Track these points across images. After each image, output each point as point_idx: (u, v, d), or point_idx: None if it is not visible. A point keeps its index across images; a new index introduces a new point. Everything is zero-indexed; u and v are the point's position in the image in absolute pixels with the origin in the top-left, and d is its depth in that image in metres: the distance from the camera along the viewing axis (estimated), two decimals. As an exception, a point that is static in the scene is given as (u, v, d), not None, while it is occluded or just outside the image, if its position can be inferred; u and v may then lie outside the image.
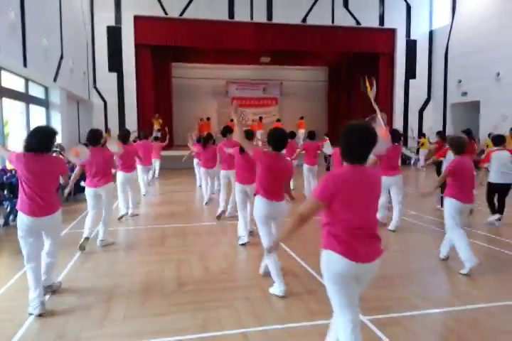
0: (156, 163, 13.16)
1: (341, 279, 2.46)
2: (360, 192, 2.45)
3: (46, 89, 12.41)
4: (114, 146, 6.20)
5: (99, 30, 16.76)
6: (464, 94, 17.89)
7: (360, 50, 19.14)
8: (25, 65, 9.51)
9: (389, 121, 19.43)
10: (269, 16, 17.90)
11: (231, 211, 7.69)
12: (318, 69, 23.66)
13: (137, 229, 7.05)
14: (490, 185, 7.13)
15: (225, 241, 6.22)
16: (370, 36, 18.69)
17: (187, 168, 14.08)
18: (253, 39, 17.62)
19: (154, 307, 3.80)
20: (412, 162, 18.15)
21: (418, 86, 19.62)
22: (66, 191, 5.61)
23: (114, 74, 17.05)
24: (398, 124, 19.32)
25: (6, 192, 7.29)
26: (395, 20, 19.02)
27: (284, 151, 4.56)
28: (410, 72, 19.47)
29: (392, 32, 19.14)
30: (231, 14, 17.65)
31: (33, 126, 10.98)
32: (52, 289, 4.15)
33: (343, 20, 18.48)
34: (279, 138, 4.18)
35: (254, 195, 4.32)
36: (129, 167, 7.63)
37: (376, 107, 4.58)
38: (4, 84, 9.42)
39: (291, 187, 10.48)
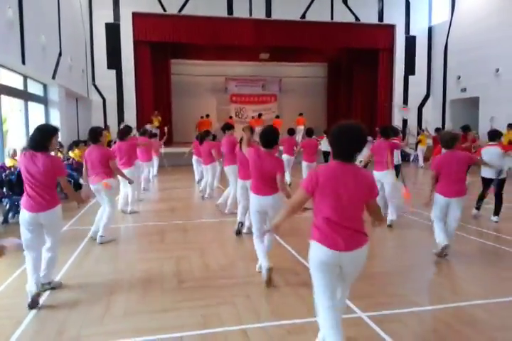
0: (155, 161, 13.14)
1: (322, 267, 2.65)
2: (340, 188, 2.59)
3: (45, 86, 12.38)
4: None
5: (98, 27, 16.69)
6: (463, 90, 17.87)
7: (360, 47, 19.08)
8: (23, 62, 9.49)
9: (387, 118, 19.46)
10: (268, 12, 17.84)
11: (230, 207, 7.72)
12: (318, 65, 23.60)
13: (137, 226, 7.06)
14: (481, 179, 7.28)
15: (224, 238, 6.24)
16: (370, 32, 18.64)
17: (187, 165, 14.07)
18: (252, 35, 17.56)
19: (154, 303, 3.82)
20: (412, 158, 18.15)
21: (417, 82, 19.59)
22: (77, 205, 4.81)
23: (113, 72, 17.00)
24: (397, 120, 19.32)
25: (5, 189, 7.29)
26: (394, 16, 18.96)
27: (281, 148, 4.71)
28: (409, 69, 19.43)
29: (392, 28, 19.09)
30: (230, 10, 17.58)
31: (31, 124, 11.08)
32: (51, 286, 4.16)
33: (342, 16, 18.41)
34: (266, 136, 4.36)
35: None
36: (125, 163, 7.63)
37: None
38: (3, 82, 9.40)
39: (288, 182, 10.68)
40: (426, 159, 15.69)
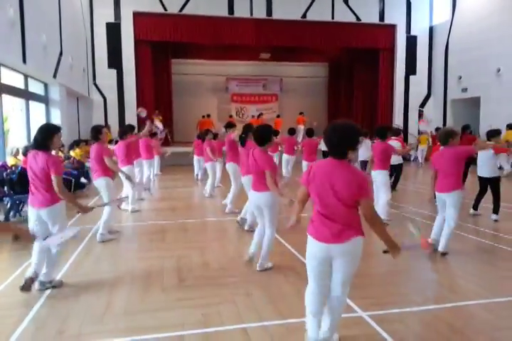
0: (156, 160, 13.15)
1: (313, 258, 2.83)
2: (328, 183, 2.70)
3: (46, 85, 12.40)
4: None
5: (99, 26, 16.71)
6: (464, 90, 17.86)
7: (360, 46, 19.09)
8: (24, 61, 9.49)
9: (388, 118, 19.45)
10: (269, 12, 17.85)
11: (230, 207, 7.74)
12: (319, 65, 23.60)
13: (138, 225, 7.06)
14: (478, 178, 7.36)
15: (225, 236, 6.25)
16: (370, 32, 18.64)
17: (188, 165, 14.09)
18: (253, 35, 17.58)
19: (155, 302, 3.82)
20: (412, 158, 18.14)
21: (418, 82, 19.59)
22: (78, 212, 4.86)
23: (114, 71, 17.02)
24: (398, 120, 19.32)
25: (5, 188, 7.29)
26: (395, 16, 18.96)
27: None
28: (410, 68, 19.43)
29: (393, 28, 19.09)
30: (231, 10, 17.59)
31: (32, 123, 11.08)
32: (52, 285, 4.17)
33: (343, 16, 18.42)
34: (258, 134, 4.59)
35: None
36: (123, 161, 7.63)
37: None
38: (4, 81, 9.41)
39: (286, 180, 10.87)
40: (426, 159, 15.69)
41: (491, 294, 3.96)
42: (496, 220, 7.01)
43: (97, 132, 6.00)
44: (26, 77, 10.87)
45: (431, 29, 19.68)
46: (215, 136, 9.98)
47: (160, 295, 4.00)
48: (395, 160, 10.17)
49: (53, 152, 4.30)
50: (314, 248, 2.79)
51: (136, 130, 13.42)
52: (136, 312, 3.62)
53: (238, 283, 4.27)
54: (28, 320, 3.50)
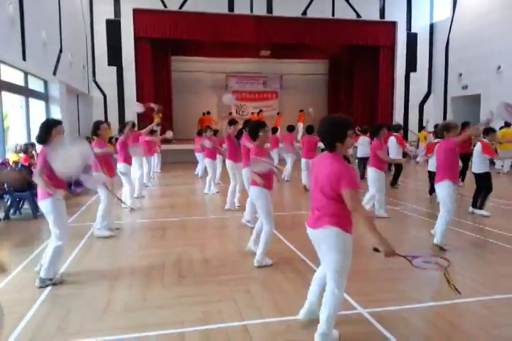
0: (156, 157, 13.15)
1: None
2: (314, 174, 2.96)
3: (45, 82, 12.38)
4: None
5: (99, 23, 16.66)
6: (465, 87, 17.83)
7: (361, 43, 19.03)
8: (24, 58, 9.48)
9: (388, 115, 19.42)
10: (269, 9, 17.80)
11: (230, 206, 7.76)
12: (319, 62, 23.53)
13: (138, 222, 7.07)
14: (473, 175, 7.44)
15: (225, 234, 6.26)
16: (371, 29, 18.59)
17: (187, 162, 14.12)
18: (253, 32, 17.53)
19: (155, 299, 3.83)
20: (412, 156, 18.11)
21: (419, 79, 19.56)
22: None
23: (114, 68, 16.98)
24: (399, 118, 19.29)
25: (6, 185, 7.29)
26: (395, 13, 18.91)
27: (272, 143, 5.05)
28: (411, 66, 19.38)
29: (393, 25, 19.04)
30: (231, 7, 17.55)
31: (32, 120, 11.06)
32: (53, 282, 4.18)
33: (344, 13, 18.37)
34: (249, 130, 4.89)
35: None
36: (119, 158, 7.61)
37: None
38: (3, 78, 9.39)
39: (286, 179, 11.23)
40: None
41: (490, 291, 3.97)
42: (483, 215, 7.12)
43: (95, 128, 6.03)
44: (26, 74, 10.86)
45: (431, 26, 19.64)
46: (215, 132, 10.00)
47: (160, 292, 4.00)
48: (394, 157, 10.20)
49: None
50: (308, 232, 3.07)
51: (136, 128, 13.47)
52: (136, 310, 3.63)
53: (238, 280, 4.28)
54: (28, 317, 3.51)
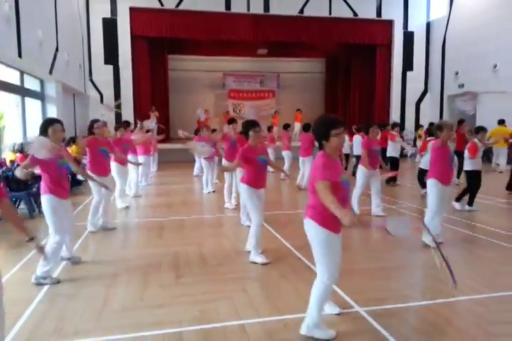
0: (155, 156, 13.15)
1: None
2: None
3: (42, 81, 12.33)
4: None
5: (95, 22, 16.60)
6: (461, 86, 17.87)
7: (358, 42, 19.02)
8: (20, 57, 9.44)
9: (385, 113, 19.45)
10: (266, 8, 17.78)
11: (228, 205, 7.77)
12: (316, 60, 23.53)
13: (134, 222, 7.06)
14: (464, 172, 7.72)
15: (222, 233, 6.26)
16: (368, 28, 18.58)
17: (184, 161, 14.10)
18: (250, 31, 17.48)
19: (152, 299, 3.83)
20: (409, 154, 18.17)
21: (415, 78, 19.58)
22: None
23: (110, 67, 16.93)
24: (395, 116, 19.32)
25: (1, 185, 7.26)
26: (392, 11, 18.92)
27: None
28: (407, 64, 19.39)
29: (390, 23, 19.03)
30: (227, 5, 17.52)
31: (28, 119, 11.01)
32: (49, 282, 4.18)
33: (341, 11, 18.37)
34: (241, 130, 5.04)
35: None
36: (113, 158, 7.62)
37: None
38: (-1, 77, 9.37)
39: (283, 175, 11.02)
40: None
41: (486, 289, 3.98)
42: (461, 210, 7.39)
43: (90, 126, 6.16)
44: (22, 73, 10.82)
45: (428, 25, 19.66)
46: (213, 131, 10.03)
47: (157, 291, 4.00)
48: (394, 153, 10.24)
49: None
50: None
51: (132, 126, 13.44)
52: (133, 309, 3.63)
53: (235, 279, 4.29)
54: (25, 317, 3.51)
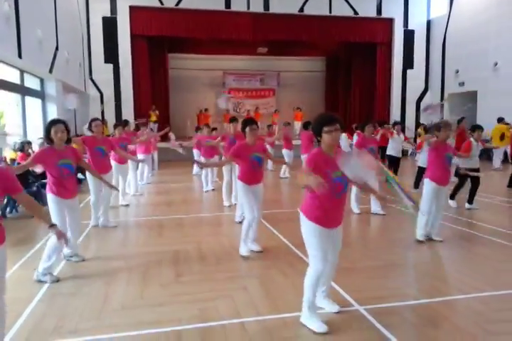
0: (155, 156, 13.13)
1: None
2: None
3: (42, 80, 12.32)
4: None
5: (95, 20, 16.59)
6: (462, 84, 17.85)
7: (358, 40, 19.02)
8: (20, 56, 9.43)
9: (386, 112, 19.44)
10: (266, 6, 17.75)
11: (227, 203, 7.77)
12: (316, 59, 23.53)
13: (134, 220, 7.07)
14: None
15: (221, 231, 6.26)
16: (368, 26, 18.58)
17: (184, 160, 14.06)
18: (250, 29, 17.48)
19: (152, 297, 3.83)
20: (409, 153, 18.15)
21: (415, 76, 19.56)
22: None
23: (110, 66, 16.93)
24: (396, 115, 19.30)
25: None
26: (392, 9, 18.89)
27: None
28: (408, 62, 19.38)
29: (390, 22, 19.02)
30: (227, 4, 17.49)
31: (29, 118, 10.99)
32: (49, 281, 4.19)
33: (341, 9, 18.34)
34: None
35: None
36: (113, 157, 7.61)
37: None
38: (-1, 76, 9.36)
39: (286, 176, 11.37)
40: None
41: (486, 287, 3.98)
42: (468, 208, 7.42)
43: (89, 125, 6.20)
44: (22, 72, 10.81)
45: (428, 23, 19.62)
46: (213, 130, 10.02)
47: (157, 290, 4.01)
48: (394, 153, 10.22)
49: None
50: None
51: (134, 125, 13.43)
52: (133, 308, 3.63)
53: (235, 278, 4.29)
54: (25, 315, 3.51)
